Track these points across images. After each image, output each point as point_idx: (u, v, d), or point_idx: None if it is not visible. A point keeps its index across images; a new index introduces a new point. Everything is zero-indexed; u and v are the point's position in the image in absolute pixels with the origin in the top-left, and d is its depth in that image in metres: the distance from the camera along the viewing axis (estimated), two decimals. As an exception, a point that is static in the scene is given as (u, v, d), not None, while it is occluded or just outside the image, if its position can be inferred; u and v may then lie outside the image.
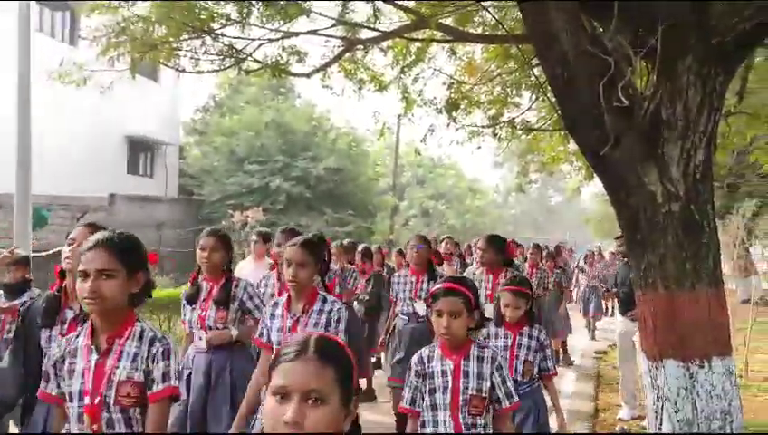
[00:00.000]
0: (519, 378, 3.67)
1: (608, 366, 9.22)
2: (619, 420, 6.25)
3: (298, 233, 4.99)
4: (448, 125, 7.41)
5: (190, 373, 3.84)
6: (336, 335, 3.03)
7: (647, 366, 3.38)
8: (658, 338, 3.26)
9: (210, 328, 3.82)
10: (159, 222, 18.71)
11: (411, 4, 6.01)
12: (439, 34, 6.24)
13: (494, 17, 6.13)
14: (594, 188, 22.76)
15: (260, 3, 5.56)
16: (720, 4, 3.16)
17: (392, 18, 6.37)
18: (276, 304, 3.44)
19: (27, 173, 9.46)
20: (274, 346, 3.22)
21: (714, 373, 3.16)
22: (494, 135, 8.00)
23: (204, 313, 3.85)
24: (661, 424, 3.26)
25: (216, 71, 6.50)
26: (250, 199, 21.25)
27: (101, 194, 17.40)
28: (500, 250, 5.13)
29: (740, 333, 7.81)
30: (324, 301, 3.34)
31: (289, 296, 3.36)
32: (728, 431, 3.14)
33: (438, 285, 2.80)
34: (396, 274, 5.79)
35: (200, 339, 3.84)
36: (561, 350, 9.25)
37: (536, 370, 3.80)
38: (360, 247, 7.49)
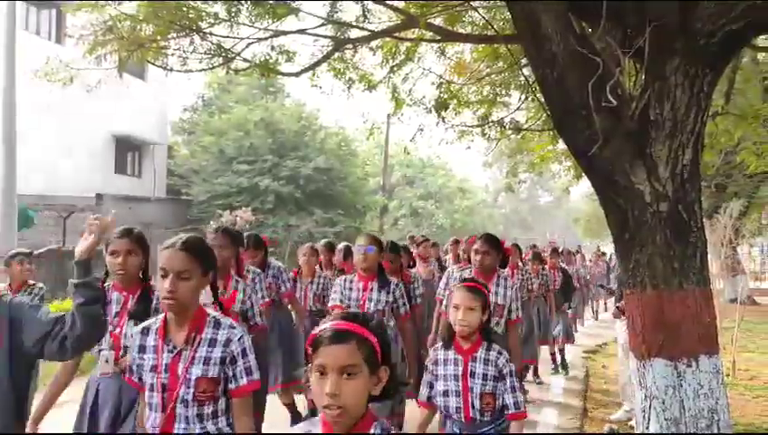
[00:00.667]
0: (478, 417, 2.93)
1: (597, 365, 9.27)
2: (609, 420, 6.26)
3: (234, 234, 4.40)
4: (437, 124, 7.42)
5: (94, 406, 3.04)
6: (245, 375, 2.38)
7: (635, 365, 3.40)
8: (646, 337, 3.27)
9: (128, 348, 2.91)
10: (147, 222, 18.59)
11: (400, 4, 6.01)
12: (428, 34, 6.24)
13: (483, 17, 6.14)
14: (583, 188, 22.90)
15: (248, 2, 5.54)
16: (707, 5, 3.18)
17: (381, 18, 6.37)
18: (146, 330, 2.47)
19: (13, 173, 9.39)
20: (147, 391, 2.41)
21: (701, 372, 3.18)
22: (484, 135, 8.01)
23: (118, 330, 3.06)
24: (649, 423, 3.27)
25: (205, 70, 6.47)
26: (239, 199, 21.18)
27: (88, 194, 17.29)
28: (499, 253, 4.57)
29: (727, 331, 7.87)
30: (217, 325, 2.42)
31: (165, 320, 2.45)
32: (715, 430, 3.15)
33: (325, 325, 1.72)
34: (341, 278, 4.84)
35: (106, 362, 3.04)
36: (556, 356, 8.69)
37: (499, 402, 2.96)
38: (340, 246, 7.33)
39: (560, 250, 11.49)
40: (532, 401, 6.80)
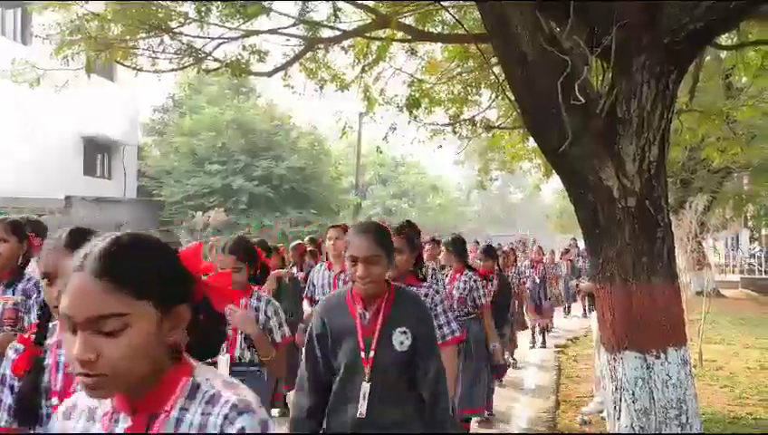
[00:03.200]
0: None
1: (568, 360, 9.40)
2: (582, 412, 6.35)
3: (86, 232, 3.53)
4: (409, 123, 7.46)
5: None
6: None
7: (605, 358, 3.47)
8: (616, 330, 3.34)
9: None
10: (118, 224, 18.32)
11: (371, 4, 6.03)
12: (399, 34, 6.27)
13: (453, 17, 6.19)
14: (554, 185, 23.16)
15: (218, 1, 5.50)
16: (671, 5, 3.26)
17: (353, 17, 6.38)
18: None
19: (-22, 175, 9.19)
20: None
21: (669, 363, 3.26)
22: (455, 133, 8.07)
23: None
24: (620, 414, 3.35)
25: (175, 70, 6.41)
26: (212, 200, 21.00)
27: (57, 196, 16.97)
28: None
29: (693, 324, 8.04)
30: None
31: None
32: (684, 419, 3.24)
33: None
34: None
35: None
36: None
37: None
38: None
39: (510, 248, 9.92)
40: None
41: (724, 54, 8.48)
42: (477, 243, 12.13)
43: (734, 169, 15.19)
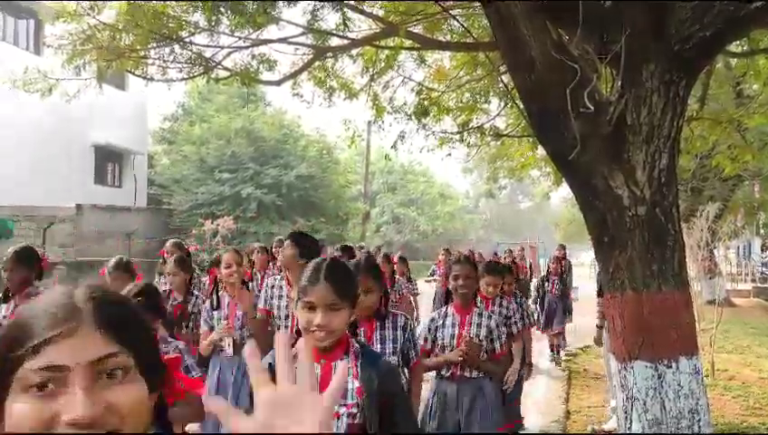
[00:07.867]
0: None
1: (579, 368, 9.33)
2: (591, 421, 6.31)
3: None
4: (418, 130, 7.47)
5: None
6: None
7: (616, 367, 3.44)
8: (627, 339, 3.31)
9: None
10: (128, 232, 18.43)
11: (380, 13, 6.05)
12: (408, 42, 6.29)
13: (462, 25, 6.20)
14: (562, 192, 23.08)
15: (228, 2, 5.53)
16: (681, 12, 3.25)
17: (361, 26, 6.40)
18: None
19: (-10, 184, 9.26)
20: None
21: (681, 373, 3.22)
22: (464, 141, 8.07)
23: None
24: (631, 424, 3.31)
25: (185, 79, 6.45)
26: (221, 208, 21.09)
27: (68, 204, 17.10)
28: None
29: (705, 333, 7.98)
30: None
31: None
32: (696, 430, 3.20)
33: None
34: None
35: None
36: None
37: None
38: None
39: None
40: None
41: (734, 61, 8.45)
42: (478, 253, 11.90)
43: (745, 177, 15.11)
